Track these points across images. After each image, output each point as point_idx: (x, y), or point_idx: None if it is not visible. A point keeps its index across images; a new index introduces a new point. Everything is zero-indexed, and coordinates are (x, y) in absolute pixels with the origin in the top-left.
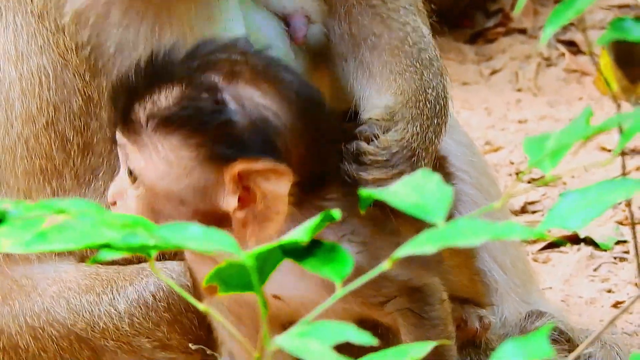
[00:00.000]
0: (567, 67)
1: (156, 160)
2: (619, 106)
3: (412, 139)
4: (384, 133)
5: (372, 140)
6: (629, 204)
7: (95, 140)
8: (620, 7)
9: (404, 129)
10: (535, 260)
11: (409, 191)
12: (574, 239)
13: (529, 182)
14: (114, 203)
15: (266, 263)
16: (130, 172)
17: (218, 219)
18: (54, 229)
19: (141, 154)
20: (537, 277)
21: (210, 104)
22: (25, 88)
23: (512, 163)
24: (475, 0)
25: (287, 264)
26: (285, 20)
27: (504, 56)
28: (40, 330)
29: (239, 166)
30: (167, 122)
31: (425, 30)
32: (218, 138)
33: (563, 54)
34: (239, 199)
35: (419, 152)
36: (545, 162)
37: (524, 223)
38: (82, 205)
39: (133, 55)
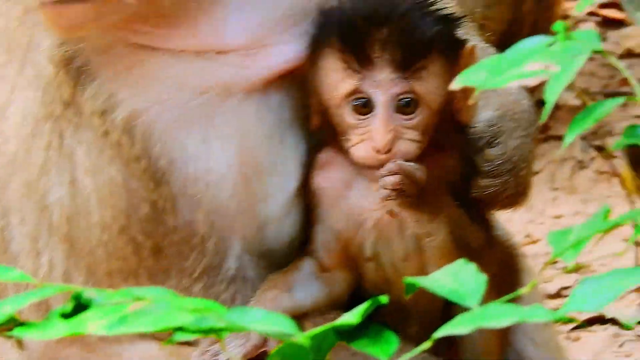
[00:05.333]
0: (598, 168)
1: (433, 79)
2: (632, 203)
3: (512, 152)
4: (488, 147)
5: (479, 152)
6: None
7: (164, 244)
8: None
9: (505, 142)
10: (567, 338)
11: (447, 279)
12: (602, 320)
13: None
14: (388, 150)
15: (322, 342)
16: (407, 105)
17: (446, 115)
18: (134, 313)
19: (418, 80)
20: (568, 354)
21: (443, 17)
22: (100, 198)
23: (548, 254)
24: None
25: None
26: None
27: (542, 159)
28: None
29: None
30: (430, 44)
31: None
32: (449, 35)
33: (594, 157)
34: None
35: (519, 164)
36: (568, 253)
37: (558, 306)
38: (158, 292)
39: (187, 168)
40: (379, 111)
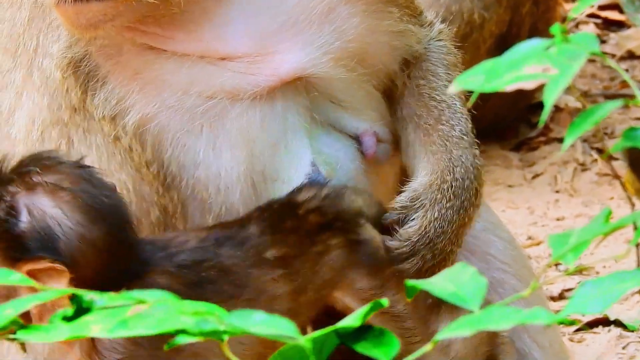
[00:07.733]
0: (599, 171)
1: None
2: (633, 205)
3: (429, 225)
4: (402, 225)
5: (395, 232)
6: None
7: None
8: None
9: (423, 216)
10: (571, 340)
11: (447, 282)
12: (605, 322)
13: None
14: None
15: (323, 345)
16: None
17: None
18: (135, 316)
19: None
20: (572, 356)
21: (3, 213)
22: None
23: (551, 256)
24: (520, 114)
25: None
26: (357, 139)
27: (544, 162)
28: None
29: (25, 266)
30: None
31: (460, 105)
32: (8, 242)
33: (596, 160)
34: None
35: (435, 239)
36: (568, 256)
37: (561, 308)
38: (159, 296)
39: (197, 173)
40: None
